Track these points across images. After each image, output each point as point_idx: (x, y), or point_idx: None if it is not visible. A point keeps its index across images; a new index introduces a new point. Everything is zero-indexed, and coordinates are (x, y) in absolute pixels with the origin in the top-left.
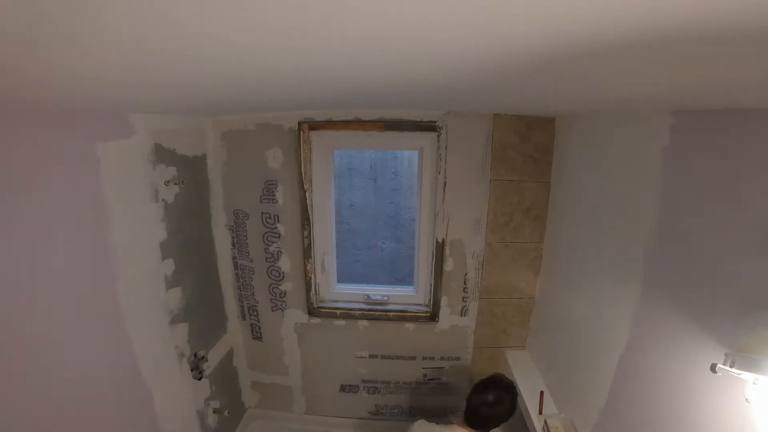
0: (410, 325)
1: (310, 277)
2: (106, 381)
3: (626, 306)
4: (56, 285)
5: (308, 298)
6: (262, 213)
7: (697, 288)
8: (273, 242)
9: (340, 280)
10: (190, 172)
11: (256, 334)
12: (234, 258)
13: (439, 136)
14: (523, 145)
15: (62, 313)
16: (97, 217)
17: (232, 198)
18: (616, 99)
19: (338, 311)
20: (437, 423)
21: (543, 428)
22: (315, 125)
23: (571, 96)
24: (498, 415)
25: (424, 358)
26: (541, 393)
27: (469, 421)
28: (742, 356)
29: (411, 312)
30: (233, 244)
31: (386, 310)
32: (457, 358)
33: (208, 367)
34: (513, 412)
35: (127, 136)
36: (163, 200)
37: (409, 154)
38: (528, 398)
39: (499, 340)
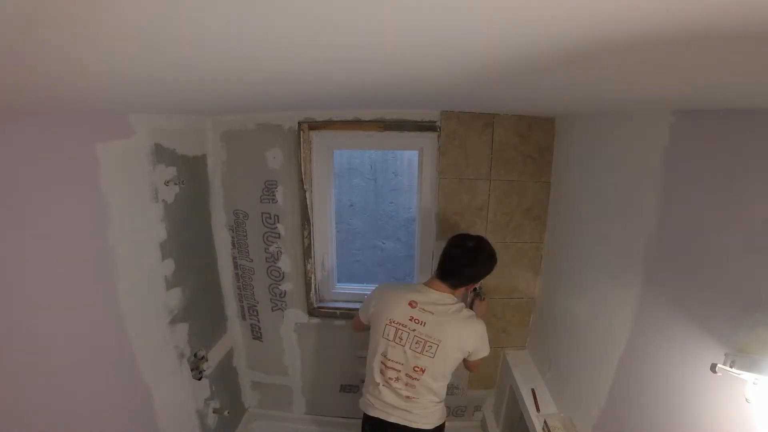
0: None
1: (310, 277)
2: (106, 381)
3: (626, 306)
4: (56, 285)
5: (308, 298)
6: (262, 213)
7: (697, 288)
8: (273, 242)
9: (340, 280)
10: (190, 172)
11: (256, 334)
12: (234, 258)
13: (438, 136)
14: (523, 145)
15: (62, 313)
16: (96, 217)
17: (232, 198)
18: (616, 99)
19: (338, 311)
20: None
21: (543, 428)
22: (315, 125)
23: (571, 96)
24: (471, 264)
25: None
26: (533, 390)
27: (443, 277)
28: (742, 356)
29: None
30: (233, 244)
31: None
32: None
33: (208, 367)
34: (490, 269)
35: (127, 136)
36: (163, 200)
37: (409, 154)
38: (527, 398)
39: (499, 340)
